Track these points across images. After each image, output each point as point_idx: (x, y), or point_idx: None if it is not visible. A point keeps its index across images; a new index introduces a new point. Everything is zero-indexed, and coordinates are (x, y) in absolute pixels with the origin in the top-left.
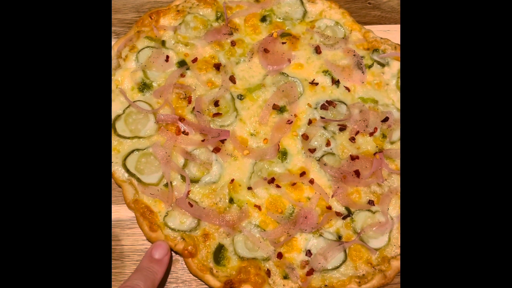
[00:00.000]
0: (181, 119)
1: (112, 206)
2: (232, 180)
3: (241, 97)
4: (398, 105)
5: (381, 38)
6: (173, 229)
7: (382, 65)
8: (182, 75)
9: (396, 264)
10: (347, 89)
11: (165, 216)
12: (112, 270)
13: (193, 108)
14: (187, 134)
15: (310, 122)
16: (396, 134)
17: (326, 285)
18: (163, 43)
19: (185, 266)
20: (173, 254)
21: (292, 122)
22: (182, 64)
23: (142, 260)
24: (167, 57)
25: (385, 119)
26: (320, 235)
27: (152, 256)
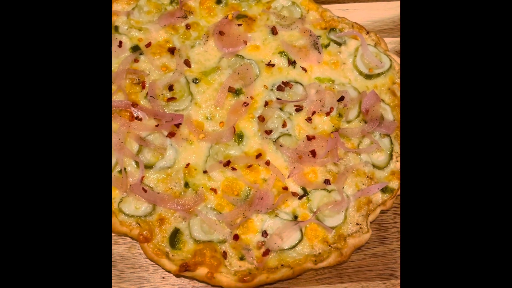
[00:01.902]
0: (134, 104)
1: None
2: (188, 165)
3: (196, 80)
4: (355, 84)
5: (338, 17)
6: (128, 215)
7: (339, 44)
8: (136, 60)
9: (352, 241)
10: (304, 69)
11: (120, 202)
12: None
13: (147, 93)
14: (140, 119)
15: (266, 104)
16: (353, 113)
17: (282, 265)
18: (116, 28)
19: (141, 251)
20: (129, 239)
21: (248, 104)
22: (135, 49)
23: None
24: (120, 42)
25: (341, 98)
26: (276, 216)
27: None
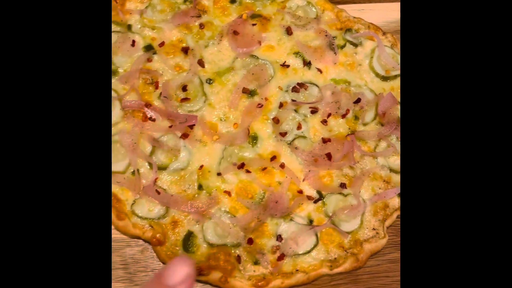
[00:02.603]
0: (148, 105)
1: None
2: (201, 166)
3: (210, 81)
4: (371, 85)
5: (354, 17)
6: (141, 217)
7: (355, 45)
8: (149, 60)
9: (369, 247)
10: (319, 70)
11: (133, 204)
12: None
13: (160, 93)
14: (154, 120)
15: (281, 105)
16: (369, 116)
17: (297, 270)
18: (129, 27)
19: (154, 254)
20: (142, 242)
21: (262, 105)
22: (148, 48)
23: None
24: (133, 41)
25: (357, 100)
26: (291, 220)
27: (161, 284)
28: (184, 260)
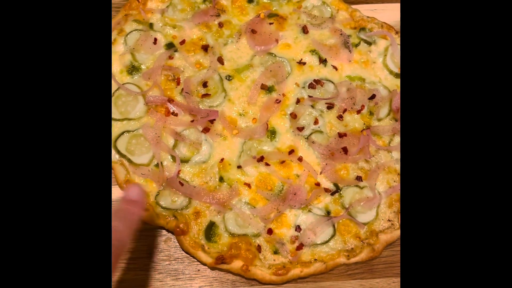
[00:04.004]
0: (170, 100)
1: None
2: (222, 159)
3: (229, 77)
4: (385, 82)
5: (367, 17)
6: (164, 208)
7: (369, 43)
8: (170, 57)
9: (384, 237)
10: (335, 68)
11: (157, 195)
12: None
13: (182, 89)
14: (176, 115)
15: (298, 101)
16: (383, 111)
17: (315, 259)
18: (150, 25)
19: (177, 243)
20: (165, 232)
21: (280, 101)
22: (170, 46)
23: (119, 203)
24: (155, 39)
25: (372, 97)
26: (309, 211)
27: (126, 198)
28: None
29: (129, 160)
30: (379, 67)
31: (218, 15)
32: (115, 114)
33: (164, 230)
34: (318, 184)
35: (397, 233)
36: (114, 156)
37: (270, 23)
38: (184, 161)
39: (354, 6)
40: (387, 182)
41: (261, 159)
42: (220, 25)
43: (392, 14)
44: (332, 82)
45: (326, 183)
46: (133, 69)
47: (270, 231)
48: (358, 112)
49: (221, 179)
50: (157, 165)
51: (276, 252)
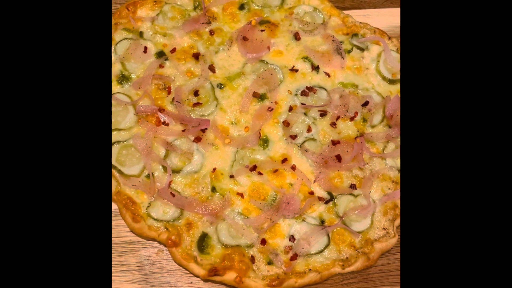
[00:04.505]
0: (161, 109)
1: None
2: (214, 169)
3: (221, 86)
4: (378, 88)
5: (360, 22)
6: (156, 219)
7: (362, 49)
8: (161, 66)
9: (379, 246)
10: (327, 74)
11: (148, 206)
12: None
13: (173, 98)
14: (167, 124)
15: (290, 108)
16: (377, 118)
17: (310, 269)
18: (140, 34)
19: (169, 255)
20: (157, 244)
21: (272, 109)
22: (160, 54)
23: None
24: (145, 48)
25: (365, 103)
26: (303, 220)
27: None
28: None
29: (120, 171)
30: (372, 73)
31: (209, 23)
32: None
33: (156, 242)
34: (311, 193)
35: (393, 241)
36: None
37: (262, 30)
38: (176, 171)
39: (346, 12)
40: (381, 190)
41: (253, 168)
42: (211, 32)
43: (385, 19)
44: (325, 89)
45: (320, 192)
46: (123, 78)
47: (263, 242)
48: (352, 119)
49: (213, 189)
50: (148, 176)
51: (270, 263)
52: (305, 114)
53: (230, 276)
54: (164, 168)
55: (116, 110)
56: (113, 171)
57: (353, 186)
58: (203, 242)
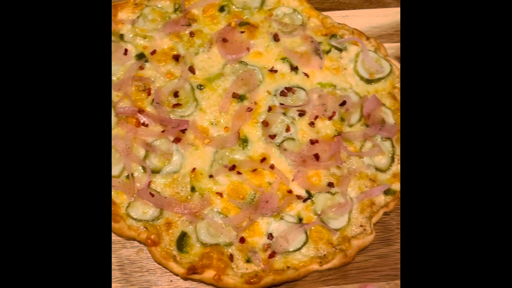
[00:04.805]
0: (141, 111)
1: None
2: (193, 169)
3: (201, 87)
4: (356, 88)
5: (338, 23)
6: (135, 219)
7: (340, 50)
8: (141, 68)
9: (356, 243)
10: (306, 75)
11: (128, 207)
12: None
13: (153, 99)
14: (147, 125)
15: (270, 109)
16: (355, 117)
17: (288, 267)
18: (121, 36)
19: (149, 255)
20: (137, 243)
21: (252, 109)
22: (140, 56)
23: None
24: (126, 50)
25: (343, 103)
26: (281, 219)
27: None
28: None
29: None
30: (350, 73)
31: (189, 25)
32: None
33: (136, 242)
34: (290, 192)
35: (370, 238)
36: None
37: (242, 32)
38: (155, 171)
39: (325, 13)
40: (358, 188)
41: (232, 167)
42: (191, 34)
43: (363, 20)
44: (304, 89)
45: (298, 190)
46: None
47: (242, 240)
48: (330, 118)
49: (192, 189)
50: (127, 177)
51: (248, 261)
52: (284, 114)
53: (209, 274)
54: (144, 168)
55: None
56: None
57: (331, 184)
58: (182, 241)
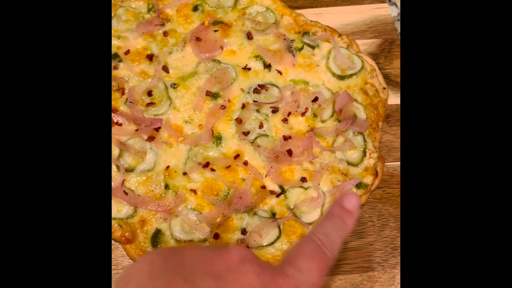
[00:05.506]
0: (114, 110)
1: None
2: (168, 167)
3: (174, 85)
4: (328, 85)
5: (311, 21)
6: None
7: (312, 47)
8: (115, 68)
9: None
10: (279, 72)
11: None
12: None
13: (126, 99)
14: (120, 125)
15: (243, 106)
16: (327, 113)
17: None
18: None
19: (124, 253)
20: (112, 241)
21: (225, 107)
22: (114, 56)
23: (333, 207)
24: None
25: (315, 99)
26: (255, 214)
27: (343, 205)
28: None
29: None
30: (323, 70)
31: (163, 25)
32: None
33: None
34: (263, 187)
35: None
36: None
37: (215, 31)
38: (129, 170)
39: (299, 11)
40: (330, 182)
41: (206, 165)
42: (165, 34)
43: (336, 17)
44: (277, 87)
45: (272, 186)
46: None
47: (216, 236)
48: (303, 114)
49: (166, 187)
50: None
51: None
52: (258, 111)
53: None
54: (118, 167)
55: None
56: None
57: (303, 179)
58: (156, 238)
